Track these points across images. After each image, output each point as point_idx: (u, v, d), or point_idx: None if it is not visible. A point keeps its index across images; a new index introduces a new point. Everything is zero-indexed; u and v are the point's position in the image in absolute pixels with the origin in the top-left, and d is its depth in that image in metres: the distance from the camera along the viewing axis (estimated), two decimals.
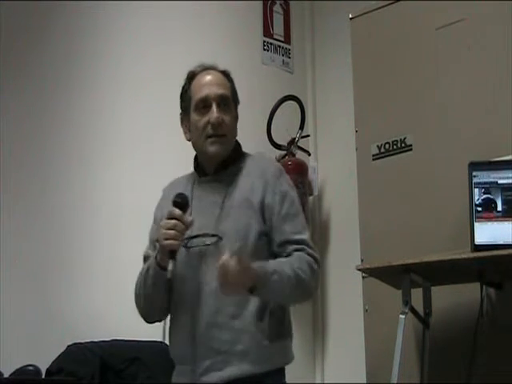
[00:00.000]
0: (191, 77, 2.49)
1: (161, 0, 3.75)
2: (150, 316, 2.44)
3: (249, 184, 2.41)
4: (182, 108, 2.51)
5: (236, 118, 2.50)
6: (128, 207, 3.47)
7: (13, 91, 3.29)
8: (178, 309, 2.36)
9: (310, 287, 2.35)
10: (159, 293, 2.33)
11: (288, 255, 2.36)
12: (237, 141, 2.52)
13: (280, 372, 2.39)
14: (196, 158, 2.52)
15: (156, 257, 2.32)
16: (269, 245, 2.39)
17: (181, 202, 2.29)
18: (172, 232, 2.24)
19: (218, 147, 2.41)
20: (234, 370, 2.28)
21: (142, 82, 3.64)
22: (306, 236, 2.41)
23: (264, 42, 4.31)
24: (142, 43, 3.69)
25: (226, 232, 2.34)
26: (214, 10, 4.01)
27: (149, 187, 3.45)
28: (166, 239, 2.25)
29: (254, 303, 2.32)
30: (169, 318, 2.44)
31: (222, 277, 2.17)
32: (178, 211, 2.27)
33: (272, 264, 2.30)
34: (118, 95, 3.58)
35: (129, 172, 3.53)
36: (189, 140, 2.49)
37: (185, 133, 2.50)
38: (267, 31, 4.34)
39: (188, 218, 2.28)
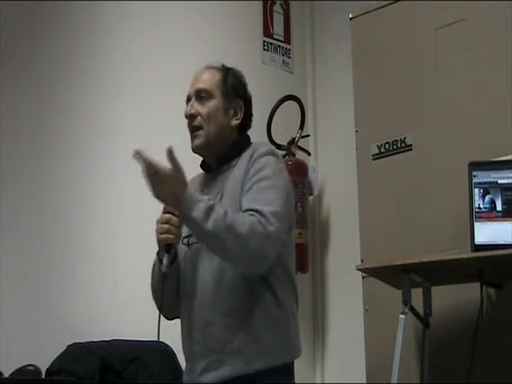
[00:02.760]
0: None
1: (160, 0, 3.75)
2: (166, 312, 2.41)
3: (241, 169, 2.38)
4: None
5: (228, 109, 2.44)
6: (128, 208, 3.47)
7: (13, 96, 3.28)
8: (181, 308, 2.38)
9: (244, 242, 2.15)
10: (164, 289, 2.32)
11: None
12: (242, 135, 2.49)
13: (280, 371, 2.31)
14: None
15: (158, 253, 2.33)
16: None
17: None
18: (166, 226, 2.25)
19: (194, 141, 2.42)
20: (227, 370, 2.26)
21: (143, 83, 3.64)
22: (266, 208, 2.21)
23: (264, 42, 4.31)
24: (141, 44, 3.69)
25: None
26: (214, 11, 4.01)
27: (148, 189, 3.46)
28: (161, 233, 2.26)
29: (249, 300, 2.29)
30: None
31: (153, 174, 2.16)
32: None
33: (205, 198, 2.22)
34: (118, 98, 3.58)
35: (130, 175, 3.51)
36: None
37: None
38: (267, 31, 4.34)
39: None
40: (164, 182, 2.17)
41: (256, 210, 2.21)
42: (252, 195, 2.27)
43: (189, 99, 2.46)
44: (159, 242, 2.29)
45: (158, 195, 2.19)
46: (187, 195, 2.18)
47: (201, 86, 2.44)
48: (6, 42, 3.27)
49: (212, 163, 2.47)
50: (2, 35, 3.26)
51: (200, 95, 2.43)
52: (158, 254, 2.34)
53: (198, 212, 2.15)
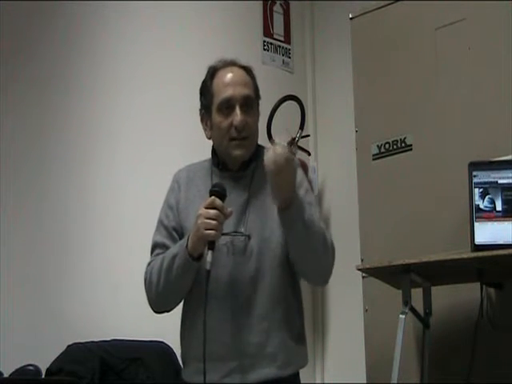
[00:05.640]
0: (213, 73, 2.41)
1: (160, 0, 3.75)
2: (162, 306, 2.39)
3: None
4: (202, 105, 2.44)
5: (259, 116, 2.43)
6: (128, 208, 3.47)
7: (12, 96, 3.28)
8: (199, 307, 2.24)
9: (329, 255, 2.31)
10: (184, 283, 2.30)
11: None
12: None
13: (298, 375, 2.39)
14: (214, 152, 2.46)
15: (187, 246, 2.25)
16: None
17: (220, 192, 2.23)
18: (214, 222, 2.18)
19: (242, 151, 2.36)
20: (260, 374, 2.26)
21: (143, 83, 3.64)
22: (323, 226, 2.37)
23: (264, 41, 4.31)
24: (141, 44, 3.69)
25: (253, 232, 2.31)
26: (214, 11, 4.01)
27: (149, 190, 3.47)
28: (208, 229, 2.18)
29: (283, 305, 2.31)
30: (182, 313, 2.41)
31: (273, 159, 2.14)
32: (219, 201, 2.20)
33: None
34: (118, 98, 3.58)
35: (129, 175, 3.53)
36: (209, 138, 2.44)
37: (205, 130, 2.44)
38: (267, 31, 4.35)
39: (228, 209, 2.22)
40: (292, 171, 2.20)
41: None
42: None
43: (229, 102, 2.35)
44: (204, 237, 2.19)
45: (281, 181, 2.17)
46: (296, 195, 2.23)
47: (246, 92, 2.37)
48: (6, 43, 3.27)
49: (233, 165, 2.41)
50: (2, 35, 3.26)
51: (246, 103, 2.35)
52: (186, 246, 2.24)
53: (305, 214, 2.22)
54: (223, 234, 2.26)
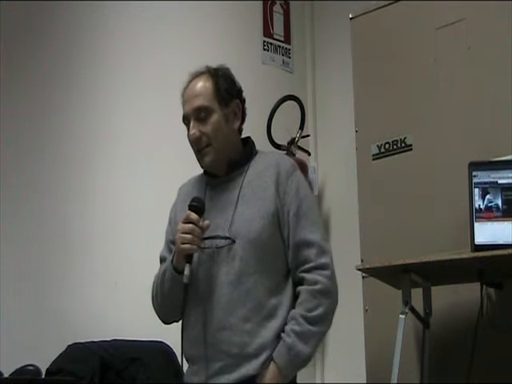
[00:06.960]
0: (184, 89, 2.47)
1: (160, 0, 3.75)
2: (167, 317, 2.45)
3: (261, 183, 2.38)
4: None
5: (227, 115, 2.41)
6: (128, 208, 3.47)
7: (11, 97, 3.28)
8: (191, 309, 2.34)
9: (331, 306, 2.43)
10: (176, 295, 2.32)
11: (300, 280, 2.36)
12: (249, 140, 2.49)
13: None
14: None
15: (172, 260, 2.32)
16: (284, 243, 2.38)
17: (197, 206, 2.30)
18: (189, 236, 2.25)
19: (206, 158, 2.39)
20: (243, 372, 2.27)
21: (143, 84, 3.64)
22: (317, 235, 2.38)
23: (264, 41, 4.31)
24: (142, 44, 3.68)
25: (238, 234, 2.33)
26: (214, 11, 4.01)
27: (148, 190, 3.47)
28: (183, 243, 2.26)
29: (268, 306, 2.31)
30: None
31: None
32: (194, 215, 2.27)
33: (284, 344, 2.29)
34: (118, 99, 3.58)
35: (129, 175, 3.53)
36: None
37: None
38: (267, 31, 4.34)
39: (205, 222, 2.29)
40: None
41: (313, 244, 2.35)
42: (301, 222, 2.35)
43: (187, 119, 2.41)
44: (181, 251, 2.27)
45: None
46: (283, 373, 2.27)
47: (197, 103, 2.38)
48: (6, 43, 3.27)
49: (220, 171, 2.44)
50: (2, 35, 3.26)
51: (199, 115, 2.38)
52: (172, 261, 2.33)
53: (292, 363, 2.28)
54: (209, 238, 2.32)
